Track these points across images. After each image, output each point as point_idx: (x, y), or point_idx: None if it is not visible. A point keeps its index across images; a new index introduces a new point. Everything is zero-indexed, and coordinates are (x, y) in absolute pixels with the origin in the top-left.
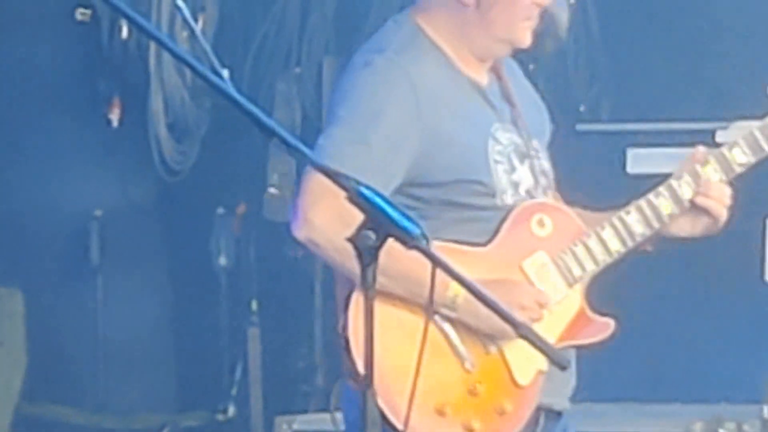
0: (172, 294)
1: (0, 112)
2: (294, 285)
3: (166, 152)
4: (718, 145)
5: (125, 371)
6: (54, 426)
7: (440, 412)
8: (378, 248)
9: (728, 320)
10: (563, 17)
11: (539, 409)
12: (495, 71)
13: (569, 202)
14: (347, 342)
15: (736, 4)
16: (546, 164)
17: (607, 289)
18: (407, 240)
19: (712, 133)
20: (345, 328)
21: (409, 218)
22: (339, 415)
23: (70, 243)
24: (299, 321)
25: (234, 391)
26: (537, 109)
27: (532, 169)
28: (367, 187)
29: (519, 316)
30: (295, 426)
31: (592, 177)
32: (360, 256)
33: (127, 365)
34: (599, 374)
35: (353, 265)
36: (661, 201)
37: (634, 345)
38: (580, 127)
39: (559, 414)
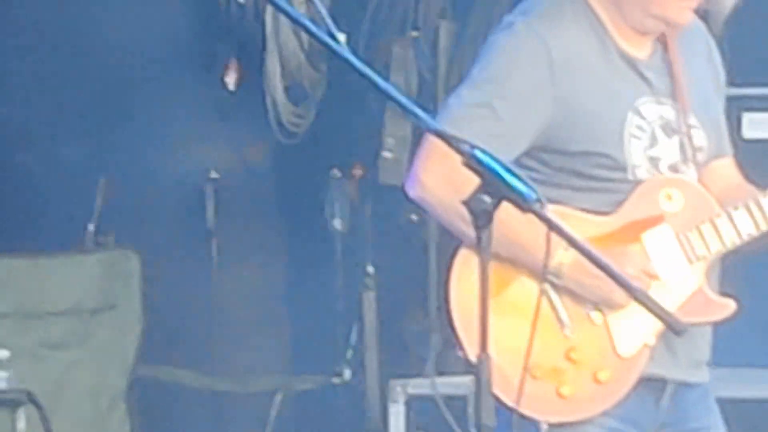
0: (287, 256)
1: (116, 74)
2: (409, 248)
3: (282, 115)
4: None
5: (240, 334)
6: (169, 388)
7: (532, 375)
8: (492, 211)
9: None
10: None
11: (664, 381)
12: (662, 41)
13: None
14: (447, 304)
15: None
16: (703, 140)
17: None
18: (522, 204)
19: None
20: (446, 285)
21: (524, 182)
22: (441, 379)
23: (185, 205)
24: (414, 285)
25: (349, 355)
26: (714, 81)
27: (681, 144)
28: (483, 151)
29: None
30: (410, 389)
31: None
32: (475, 219)
33: (242, 328)
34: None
35: (462, 225)
36: None
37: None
38: None
39: (688, 385)
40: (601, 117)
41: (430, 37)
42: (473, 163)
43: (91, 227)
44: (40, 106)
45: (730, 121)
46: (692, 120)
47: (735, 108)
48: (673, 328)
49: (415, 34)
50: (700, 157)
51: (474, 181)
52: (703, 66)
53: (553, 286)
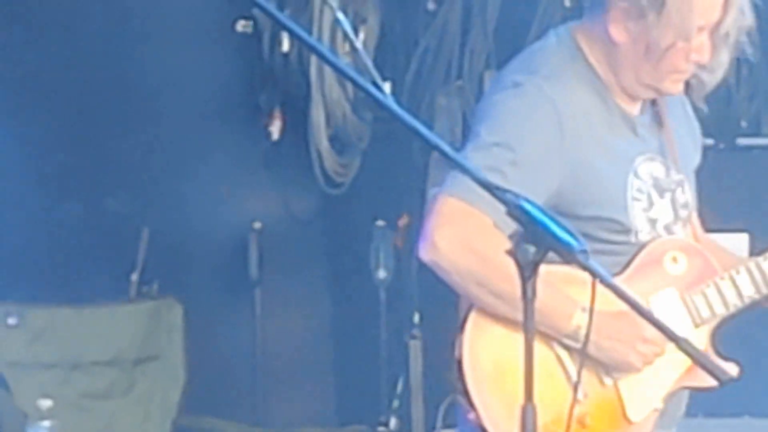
0: (331, 306)
1: (162, 123)
2: (454, 297)
3: (327, 165)
4: None
5: (284, 385)
6: None
7: None
8: (538, 262)
9: None
10: (713, 79)
11: None
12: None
13: (729, 217)
14: (460, 364)
15: None
16: (688, 195)
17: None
18: (567, 254)
19: None
20: (459, 348)
21: (571, 233)
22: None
23: (229, 255)
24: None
25: (395, 405)
26: (691, 136)
27: (672, 202)
28: (527, 200)
29: (640, 350)
30: None
31: (752, 191)
32: (520, 269)
33: (286, 379)
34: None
35: (475, 290)
36: None
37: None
38: (742, 141)
39: None
40: (607, 179)
41: (475, 85)
42: (517, 213)
43: (134, 277)
44: (86, 156)
45: None
46: (678, 176)
47: None
48: (718, 378)
49: (459, 83)
50: (686, 213)
51: (493, 243)
52: (683, 122)
53: (567, 348)
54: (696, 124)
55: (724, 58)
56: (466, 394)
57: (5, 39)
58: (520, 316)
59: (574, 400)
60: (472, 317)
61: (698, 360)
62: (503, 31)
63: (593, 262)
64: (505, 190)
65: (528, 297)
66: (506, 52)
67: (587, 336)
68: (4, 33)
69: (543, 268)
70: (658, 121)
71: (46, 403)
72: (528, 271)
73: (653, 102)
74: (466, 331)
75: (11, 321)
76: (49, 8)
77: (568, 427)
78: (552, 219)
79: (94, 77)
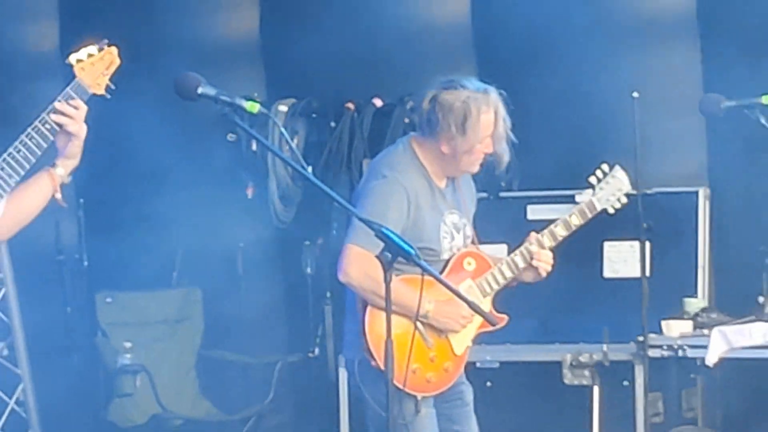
0: (283, 286)
1: (181, 191)
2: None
3: (278, 210)
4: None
5: (261, 325)
6: (221, 363)
7: (413, 371)
8: (392, 262)
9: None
10: (505, 158)
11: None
12: (450, 176)
13: (488, 240)
14: (365, 334)
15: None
16: (469, 230)
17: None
18: (406, 256)
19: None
20: (362, 325)
21: (408, 244)
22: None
23: (227, 261)
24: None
25: (317, 342)
26: (471, 196)
27: (463, 235)
28: (387, 229)
29: (460, 321)
30: None
31: (506, 223)
32: (383, 266)
33: (264, 322)
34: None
35: (370, 295)
36: (518, 258)
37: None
38: (503, 194)
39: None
40: (429, 226)
41: (358, 168)
42: (381, 236)
43: (174, 274)
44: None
45: (520, 210)
46: (465, 220)
47: (522, 203)
48: (491, 322)
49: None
50: (469, 240)
51: (378, 268)
52: (467, 187)
53: (423, 322)
54: (473, 186)
55: (505, 145)
56: (369, 353)
57: None
58: (399, 310)
59: (413, 343)
60: (369, 309)
61: (483, 315)
62: (373, 137)
63: (423, 262)
64: (379, 225)
65: (387, 281)
66: (374, 149)
67: (425, 315)
68: None
69: (409, 277)
70: (454, 188)
71: (127, 345)
72: (388, 267)
73: (453, 180)
74: (367, 318)
75: (108, 300)
76: None
77: (408, 365)
78: (399, 238)
79: None
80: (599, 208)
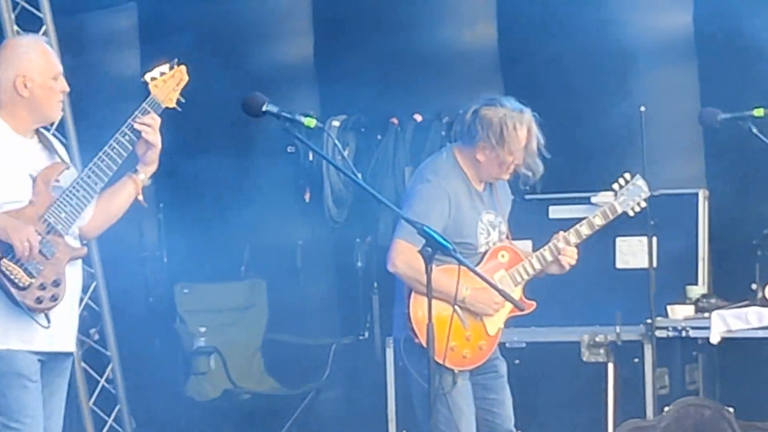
0: (336, 276)
1: (243, 192)
2: (391, 277)
3: (332, 212)
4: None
5: (318, 312)
6: (284, 345)
7: (451, 348)
8: (433, 255)
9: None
10: (538, 170)
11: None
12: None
13: (515, 236)
14: (408, 316)
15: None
16: (504, 227)
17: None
18: (446, 251)
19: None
20: (408, 309)
21: (447, 240)
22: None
23: (287, 259)
24: None
25: (367, 325)
26: (506, 198)
27: (498, 231)
28: (427, 227)
29: (493, 306)
30: None
31: (531, 221)
32: (424, 259)
33: (317, 309)
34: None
35: (414, 283)
36: (547, 253)
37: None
38: (527, 196)
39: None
40: (468, 223)
41: (400, 174)
42: (422, 233)
43: (243, 268)
44: None
45: (542, 209)
46: (500, 219)
47: (545, 204)
48: (519, 308)
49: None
50: (504, 236)
51: (420, 260)
52: (504, 192)
53: (460, 306)
54: (509, 190)
55: (537, 159)
56: (414, 333)
57: None
58: (440, 295)
59: (451, 323)
60: (413, 295)
61: (512, 301)
62: (413, 148)
63: (459, 255)
64: (421, 224)
65: (428, 272)
66: (415, 158)
67: (464, 300)
68: None
69: (447, 267)
70: (491, 191)
71: (202, 329)
72: (428, 260)
73: (490, 184)
74: (411, 303)
75: (185, 290)
76: None
77: (447, 343)
78: (439, 235)
79: None
80: (620, 210)
